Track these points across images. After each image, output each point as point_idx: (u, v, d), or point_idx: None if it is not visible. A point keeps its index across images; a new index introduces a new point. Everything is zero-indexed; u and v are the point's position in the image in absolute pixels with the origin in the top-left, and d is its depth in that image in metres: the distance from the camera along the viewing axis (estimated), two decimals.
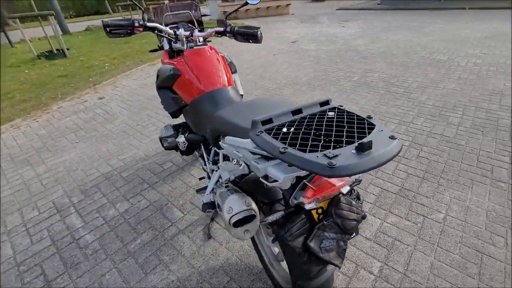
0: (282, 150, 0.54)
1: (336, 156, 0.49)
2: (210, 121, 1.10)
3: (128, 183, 2.15)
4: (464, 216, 1.62)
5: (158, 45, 1.81)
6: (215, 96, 1.27)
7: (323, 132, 0.59)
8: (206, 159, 1.51)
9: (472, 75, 3.68)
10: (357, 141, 0.51)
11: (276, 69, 4.64)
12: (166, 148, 1.68)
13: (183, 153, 1.72)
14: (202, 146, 1.54)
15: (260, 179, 0.73)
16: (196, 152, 1.82)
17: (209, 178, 1.48)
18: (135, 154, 2.53)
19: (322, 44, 6.08)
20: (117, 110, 3.51)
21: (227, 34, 1.54)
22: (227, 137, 0.77)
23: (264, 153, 0.65)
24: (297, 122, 0.65)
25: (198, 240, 1.62)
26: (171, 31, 1.54)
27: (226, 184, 1.09)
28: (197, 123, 1.32)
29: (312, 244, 0.68)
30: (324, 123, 0.63)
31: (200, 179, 1.76)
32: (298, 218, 0.69)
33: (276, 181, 0.68)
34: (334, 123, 0.62)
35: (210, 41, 1.72)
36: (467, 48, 4.92)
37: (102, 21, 1.33)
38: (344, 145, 0.53)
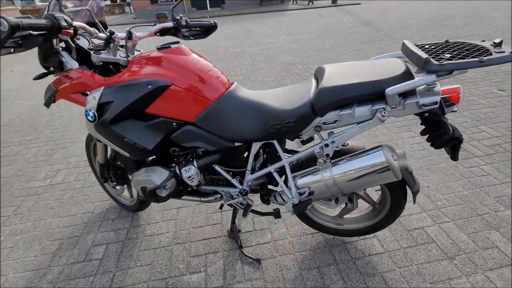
0: (482, 59, 0.74)
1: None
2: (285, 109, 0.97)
3: None
4: None
5: (53, 66, 1.09)
6: (238, 94, 1.07)
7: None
8: (229, 178, 1.22)
9: (267, 57, 5.04)
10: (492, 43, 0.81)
11: None
12: (165, 199, 1.15)
13: (181, 194, 1.25)
14: (213, 167, 1.21)
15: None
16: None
17: (245, 194, 1.23)
18: None
19: None
20: None
21: (182, 30, 1.25)
22: (390, 89, 0.81)
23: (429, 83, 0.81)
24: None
25: (252, 273, 1.33)
26: (104, 34, 1.02)
27: (328, 160, 1.03)
28: (233, 129, 1.04)
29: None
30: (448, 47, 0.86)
31: (221, 207, 1.36)
32: (447, 120, 0.91)
33: (433, 104, 0.86)
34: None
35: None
36: (242, 41, 6.50)
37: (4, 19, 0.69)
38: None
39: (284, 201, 1.18)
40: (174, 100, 1.03)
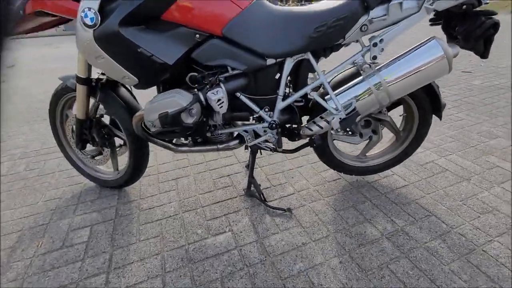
0: None
1: None
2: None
3: None
4: None
5: None
6: (271, 2, 0.96)
7: None
8: (257, 108, 1.05)
9: None
10: None
11: None
12: (192, 129, 0.93)
13: (203, 131, 1.04)
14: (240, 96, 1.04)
15: None
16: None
17: (275, 128, 1.08)
18: None
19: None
20: None
21: None
22: None
23: None
24: None
25: (286, 223, 1.16)
26: None
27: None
28: (268, 40, 0.91)
29: None
30: None
31: (247, 148, 1.15)
32: None
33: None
34: None
35: None
36: None
37: None
38: None
39: (322, 128, 1.06)
40: (199, 1, 0.86)
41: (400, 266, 0.96)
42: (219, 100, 0.94)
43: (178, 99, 0.91)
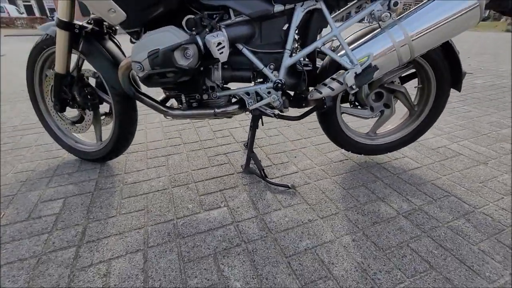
0: None
1: None
2: None
3: None
4: None
5: None
6: None
7: None
8: (261, 65, 0.93)
9: None
10: None
11: None
12: (186, 72, 0.79)
13: (199, 84, 0.91)
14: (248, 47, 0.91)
15: None
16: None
17: (280, 88, 0.96)
18: None
19: None
20: None
21: None
22: None
23: None
24: None
25: (290, 200, 1.02)
26: None
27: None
28: None
29: None
30: None
31: (248, 111, 1.02)
32: None
33: None
34: None
35: None
36: None
37: None
38: None
39: (333, 89, 0.95)
40: None
41: (423, 245, 0.83)
42: (219, 44, 0.82)
43: (172, 34, 0.78)
